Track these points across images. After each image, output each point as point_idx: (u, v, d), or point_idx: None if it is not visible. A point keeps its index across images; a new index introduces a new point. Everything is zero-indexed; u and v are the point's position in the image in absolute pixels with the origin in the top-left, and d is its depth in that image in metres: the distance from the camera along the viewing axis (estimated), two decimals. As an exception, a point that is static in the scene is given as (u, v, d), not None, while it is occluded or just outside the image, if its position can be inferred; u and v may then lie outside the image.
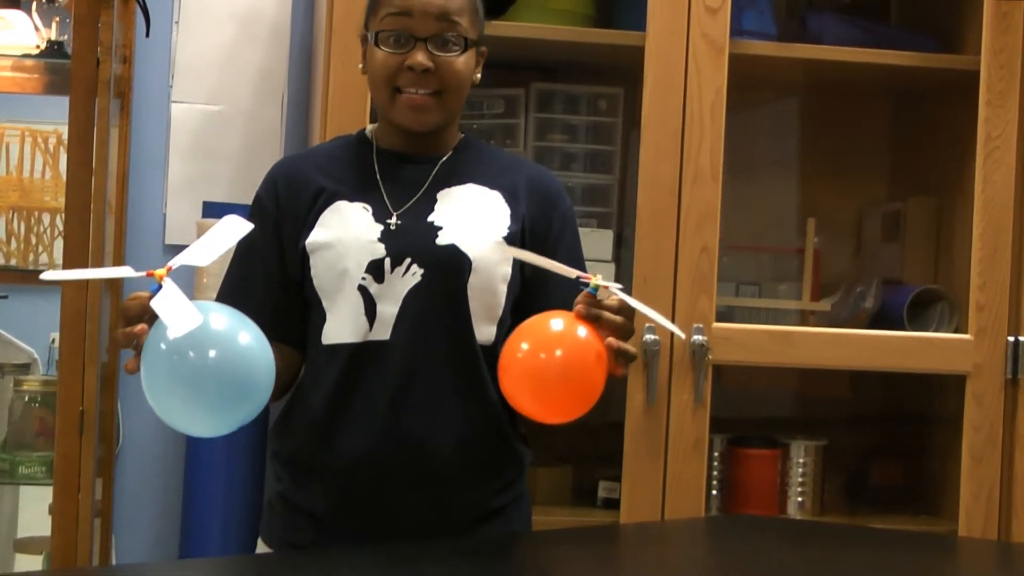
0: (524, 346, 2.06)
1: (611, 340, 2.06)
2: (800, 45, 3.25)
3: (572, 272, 2.11)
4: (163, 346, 1.88)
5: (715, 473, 3.29)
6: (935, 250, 3.51)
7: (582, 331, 2.04)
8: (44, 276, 1.97)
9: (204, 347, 1.88)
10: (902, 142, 3.69)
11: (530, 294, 2.35)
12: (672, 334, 3.03)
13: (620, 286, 2.09)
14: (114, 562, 3.59)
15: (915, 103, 3.62)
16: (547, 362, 2.04)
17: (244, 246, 2.33)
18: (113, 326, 3.53)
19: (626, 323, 2.10)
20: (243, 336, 1.92)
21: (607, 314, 2.07)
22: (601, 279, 2.07)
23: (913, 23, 3.54)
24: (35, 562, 3.72)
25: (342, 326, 2.27)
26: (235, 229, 1.99)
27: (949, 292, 3.34)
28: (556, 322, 2.06)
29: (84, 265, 3.18)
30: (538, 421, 2.12)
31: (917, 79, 3.41)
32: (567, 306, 2.10)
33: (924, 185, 3.55)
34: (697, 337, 3.04)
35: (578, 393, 2.05)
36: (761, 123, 3.64)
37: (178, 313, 1.85)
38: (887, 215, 3.63)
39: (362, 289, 2.26)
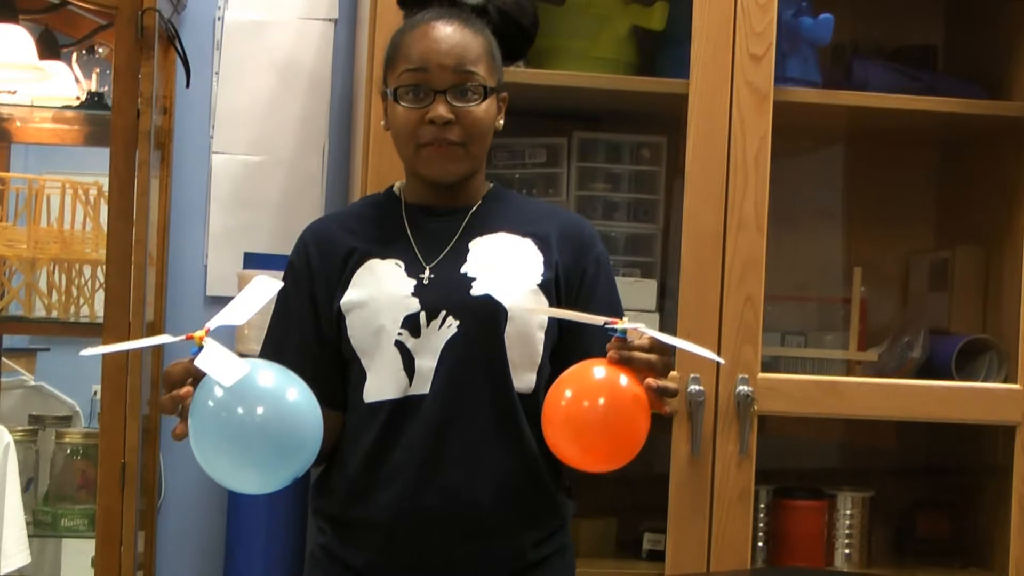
0: (567, 394, 2.11)
1: (649, 380, 2.10)
2: (845, 92, 3.27)
3: (598, 319, 2.16)
4: (211, 403, 1.92)
5: (761, 525, 3.30)
6: (983, 299, 3.51)
7: (623, 378, 2.09)
8: (83, 353, 2.03)
9: (252, 404, 1.92)
10: (949, 190, 3.71)
11: (568, 340, 2.38)
12: (717, 381, 3.06)
13: (641, 324, 2.13)
14: (156, 615, 3.63)
15: (962, 150, 3.64)
16: (589, 410, 2.08)
17: (280, 312, 2.42)
18: (157, 380, 3.57)
19: (661, 360, 2.14)
20: (291, 392, 1.96)
21: (639, 354, 2.11)
22: (628, 322, 2.13)
23: (959, 70, 3.56)
24: (77, 616, 3.75)
25: (382, 383, 2.31)
26: (266, 288, 2.05)
27: (998, 342, 3.35)
28: (598, 370, 2.11)
29: (125, 315, 3.23)
30: (583, 470, 2.16)
31: (964, 126, 3.43)
32: (605, 349, 2.14)
33: (972, 234, 3.56)
34: (742, 388, 3.06)
35: (622, 440, 2.10)
36: (806, 171, 3.66)
37: (225, 366, 1.90)
38: (934, 264, 3.64)
39: (399, 345, 2.30)
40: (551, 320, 2.35)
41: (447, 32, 2.34)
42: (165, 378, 2.01)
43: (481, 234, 2.40)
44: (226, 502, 3.60)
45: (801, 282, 3.60)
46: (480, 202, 2.45)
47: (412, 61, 2.33)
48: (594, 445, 2.10)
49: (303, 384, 1.98)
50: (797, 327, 3.50)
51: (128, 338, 3.21)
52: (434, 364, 2.28)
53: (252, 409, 1.91)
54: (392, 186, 2.52)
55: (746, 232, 3.09)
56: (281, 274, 2.40)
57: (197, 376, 1.96)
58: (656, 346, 2.13)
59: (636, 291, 3.18)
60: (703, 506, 3.07)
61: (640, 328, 2.12)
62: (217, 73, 3.76)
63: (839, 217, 3.73)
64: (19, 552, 3.23)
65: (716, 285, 3.08)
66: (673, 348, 2.19)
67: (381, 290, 2.33)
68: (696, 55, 3.10)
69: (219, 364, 1.90)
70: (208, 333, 1.94)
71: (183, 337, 1.96)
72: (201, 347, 1.93)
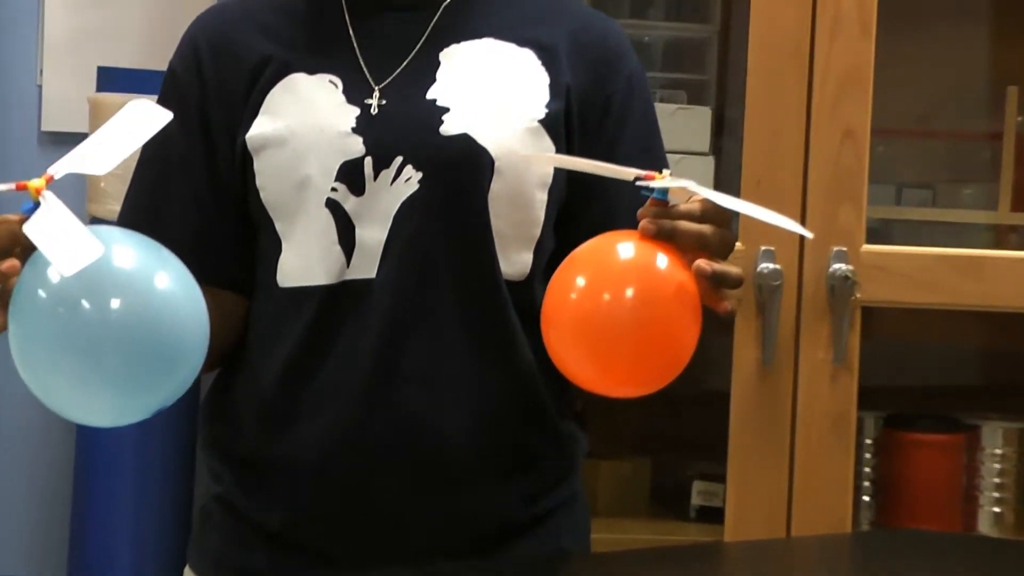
0: (579, 282, 2.05)
1: (700, 263, 2.03)
2: None
3: (627, 172, 2.08)
4: (43, 294, 1.87)
5: (866, 469, 3.34)
6: None
7: (662, 259, 2.03)
8: None
9: (104, 295, 1.87)
10: None
11: (582, 203, 2.36)
12: (801, 254, 3.14)
13: (692, 182, 2.04)
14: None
15: None
16: (612, 306, 2.02)
17: (154, 148, 2.31)
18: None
19: (717, 233, 2.07)
20: (161, 278, 1.91)
21: (686, 224, 2.04)
22: (669, 176, 2.05)
23: None
24: None
25: (306, 260, 2.29)
26: (146, 119, 1.98)
27: None
28: (625, 247, 2.06)
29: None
30: (601, 393, 2.11)
31: None
32: (637, 217, 2.07)
33: None
34: (838, 266, 3.09)
35: (660, 350, 2.05)
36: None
37: (66, 241, 1.84)
38: None
39: (333, 205, 2.27)
40: (558, 174, 2.33)
41: None
42: None
43: (457, 40, 2.36)
44: (74, 437, 3.64)
45: (926, 111, 3.60)
46: None
47: None
48: (618, 358, 2.05)
49: (179, 265, 1.93)
50: (920, 177, 3.51)
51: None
52: (384, 236, 2.26)
53: (103, 302, 1.87)
54: (327, -36, 2.44)
55: (845, 37, 3.12)
56: (125, 80, 2.39)
57: (28, 246, 1.89)
58: (711, 212, 2.07)
59: (680, 124, 3.20)
60: (780, 441, 3.12)
61: (690, 186, 2.03)
62: None
63: (983, 16, 3.72)
64: None
65: (800, 114, 3.12)
66: (736, 214, 2.14)
67: (308, 120, 2.29)
68: None
69: (58, 237, 1.85)
70: (50, 183, 1.89)
71: (12, 186, 1.89)
72: (37, 203, 1.88)
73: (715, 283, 2.04)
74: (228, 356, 2.39)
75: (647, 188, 2.04)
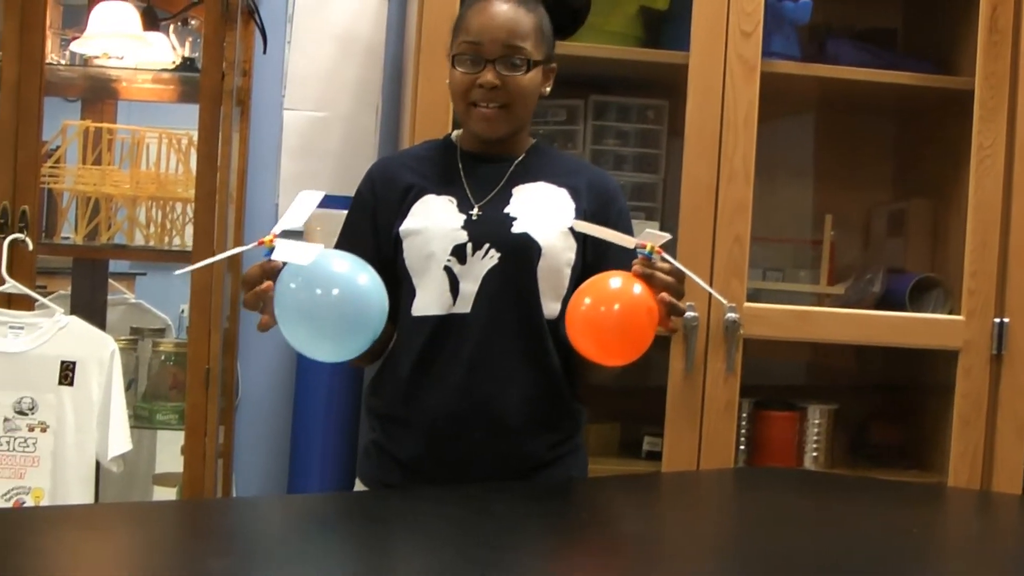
0: (587, 300, 2.05)
1: (664, 295, 2.04)
2: (820, 65, 3.21)
3: (631, 241, 2.10)
4: (293, 286, 1.90)
5: (743, 431, 3.25)
6: (933, 243, 3.45)
7: (637, 288, 2.03)
8: (177, 273, 2.00)
9: (329, 286, 1.90)
10: (906, 151, 3.63)
11: (590, 275, 2.26)
12: (709, 308, 3.01)
13: (669, 235, 2.07)
14: (234, 495, 3.60)
15: (918, 118, 3.55)
16: (606, 314, 2.02)
17: (346, 232, 2.37)
18: (235, 299, 3.54)
19: (676, 284, 2.07)
20: (362, 277, 1.94)
21: (659, 274, 2.05)
22: (654, 233, 2.06)
23: (917, 50, 3.48)
24: (170, 493, 3.76)
25: (430, 300, 2.25)
26: (311, 198, 2.01)
27: (945, 279, 3.28)
28: (615, 280, 2.05)
29: (210, 244, 3.19)
30: (599, 363, 2.10)
31: (919, 97, 3.34)
32: None
33: (924, 188, 3.49)
34: (730, 315, 3.00)
35: (631, 340, 2.03)
36: (787, 132, 3.57)
37: (301, 251, 1.89)
38: (892, 213, 3.57)
39: (447, 269, 2.24)
40: (577, 258, 2.29)
41: (502, 9, 2.27)
42: (244, 281, 1.98)
43: (524, 181, 2.34)
44: (292, 400, 3.57)
45: (781, 226, 3.52)
46: (524, 155, 2.39)
47: (470, 33, 2.27)
48: (609, 344, 2.05)
49: (373, 271, 1.97)
50: (776, 264, 3.43)
51: (211, 266, 3.17)
52: (476, 288, 2.23)
53: (328, 291, 1.89)
54: (450, 134, 2.46)
55: (736, 183, 3.02)
56: (325, 201, 2.34)
57: (272, 275, 1.94)
58: (675, 272, 2.07)
59: (640, 232, 3.09)
60: (695, 415, 3.02)
61: (665, 256, 2.06)
62: (289, 42, 3.70)
63: (813, 172, 3.65)
64: (124, 441, 3.20)
65: (709, 227, 3.03)
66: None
67: (435, 221, 2.27)
68: (695, 31, 3.03)
69: (295, 252, 1.89)
70: (275, 237, 1.93)
71: (255, 244, 1.94)
72: (272, 249, 1.92)
73: (670, 310, 2.05)
74: (381, 356, 2.37)
75: (642, 251, 2.06)
